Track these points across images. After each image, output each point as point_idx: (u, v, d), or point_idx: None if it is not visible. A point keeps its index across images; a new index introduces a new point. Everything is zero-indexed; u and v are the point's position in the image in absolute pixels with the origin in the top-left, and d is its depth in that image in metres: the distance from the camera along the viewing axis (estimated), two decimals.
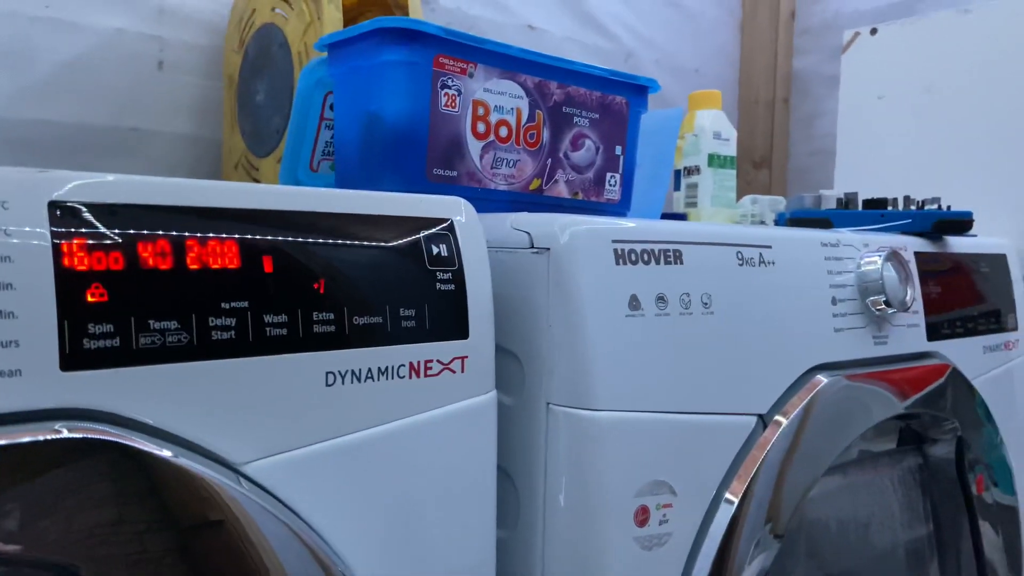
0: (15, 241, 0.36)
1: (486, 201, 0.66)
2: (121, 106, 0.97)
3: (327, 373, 0.44)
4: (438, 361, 0.49)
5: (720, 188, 1.08)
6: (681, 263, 0.59)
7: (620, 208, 0.77)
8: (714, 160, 1.09)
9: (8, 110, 0.89)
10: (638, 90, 0.77)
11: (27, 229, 0.36)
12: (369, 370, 0.46)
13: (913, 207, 0.85)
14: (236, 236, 0.42)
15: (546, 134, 0.71)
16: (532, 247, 0.55)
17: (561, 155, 0.72)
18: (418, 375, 0.48)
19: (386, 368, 0.47)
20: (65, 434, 0.36)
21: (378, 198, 0.49)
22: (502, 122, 0.67)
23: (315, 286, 0.44)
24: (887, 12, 1.51)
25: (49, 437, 0.35)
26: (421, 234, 0.50)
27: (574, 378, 0.54)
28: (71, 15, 0.92)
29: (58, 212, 0.37)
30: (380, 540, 0.47)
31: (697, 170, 1.09)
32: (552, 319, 0.54)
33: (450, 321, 0.50)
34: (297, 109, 0.71)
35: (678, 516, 0.57)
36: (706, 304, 0.60)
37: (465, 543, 0.52)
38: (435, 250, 0.50)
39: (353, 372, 0.45)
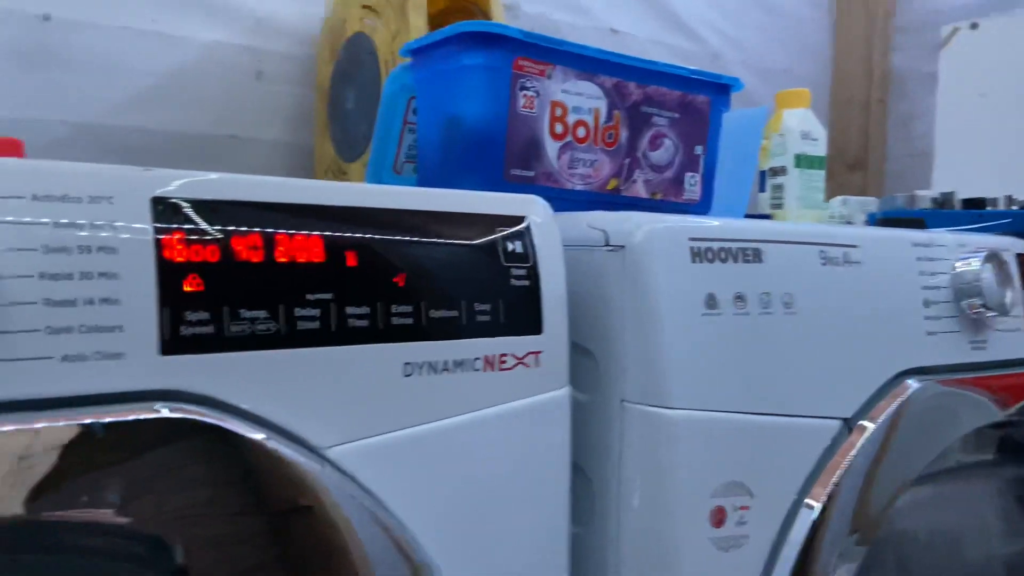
0: (121, 235, 0.38)
1: (563, 201, 0.66)
2: (220, 115, 1.02)
3: (405, 364, 0.46)
4: (512, 355, 0.50)
5: (807, 189, 1.06)
6: (761, 262, 0.58)
7: (700, 208, 0.76)
8: (802, 160, 1.06)
9: (115, 119, 0.95)
10: (720, 88, 0.76)
11: (131, 223, 0.39)
12: (445, 362, 0.47)
13: (1015, 207, 0.80)
14: (321, 232, 0.44)
15: (624, 134, 0.71)
16: (607, 245, 0.55)
17: (639, 155, 0.72)
18: (492, 368, 0.49)
19: (461, 360, 0.48)
20: (164, 414, 0.38)
21: (455, 196, 0.51)
22: (580, 122, 0.68)
23: (395, 280, 0.46)
24: (987, 6, 1.44)
25: (149, 416, 0.38)
26: (497, 231, 0.51)
27: (649, 376, 0.54)
28: (175, 29, 0.99)
29: (160, 207, 0.40)
30: (456, 529, 0.49)
31: (783, 171, 1.06)
32: (627, 317, 0.54)
33: (524, 316, 0.51)
34: (382, 114, 0.73)
35: (756, 519, 0.56)
36: (787, 304, 0.59)
37: (539, 536, 0.52)
38: (510, 247, 0.51)
39: (430, 364, 0.47)
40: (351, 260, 0.45)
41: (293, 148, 1.08)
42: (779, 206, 1.07)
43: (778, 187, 1.07)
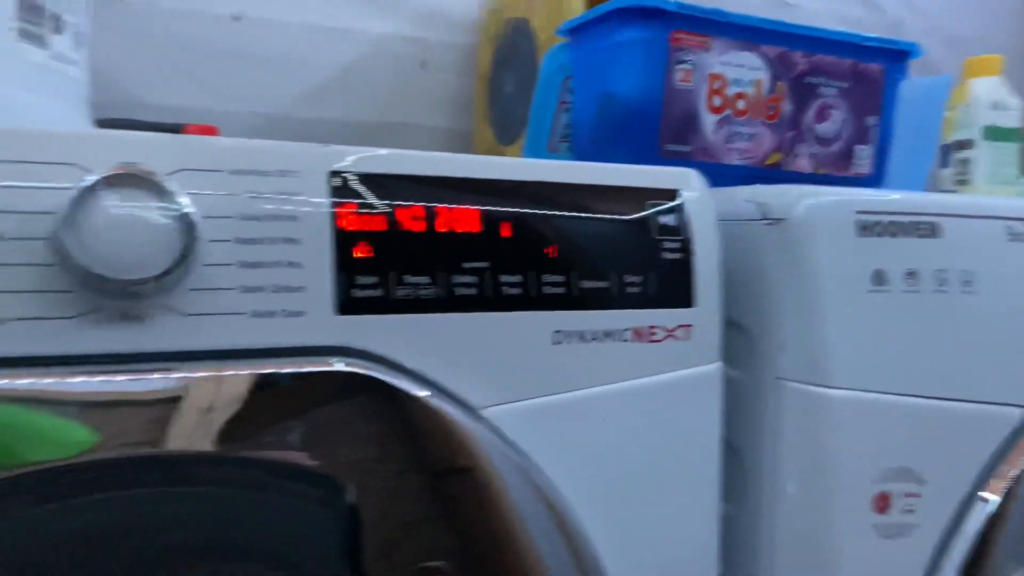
0: (303, 205, 0.42)
1: (720, 176, 0.65)
2: (388, 104, 1.08)
3: (555, 332, 0.47)
4: (662, 328, 0.50)
5: (998, 163, 0.96)
6: (937, 237, 0.54)
7: (871, 182, 0.72)
8: (992, 133, 0.97)
9: (297, 110, 1.03)
10: (896, 56, 0.71)
11: (312, 195, 0.43)
12: (594, 332, 0.48)
13: None
14: (478, 204, 0.46)
15: (788, 106, 0.68)
16: (765, 218, 0.54)
17: (804, 127, 0.69)
18: (642, 340, 0.50)
19: (610, 331, 0.49)
20: (339, 368, 0.42)
21: (608, 169, 0.51)
22: (740, 95, 0.66)
23: (547, 250, 0.47)
24: None
25: (326, 369, 0.42)
26: (649, 203, 0.51)
27: (807, 353, 0.52)
28: (348, 23, 1.05)
29: (336, 180, 0.43)
30: (604, 498, 0.50)
31: (970, 144, 0.98)
32: (785, 292, 0.53)
33: (675, 289, 0.50)
34: (538, 94, 0.75)
35: (926, 507, 0.52)
36: (966, 283, 0.55)
37: (687, 511, 0.52)
38: (662, 219, 0.51)
39: (579, 332, 0.48)
40: (506, 231, 0.47)
41: (454, 134, 1.13)
42: (965, 182, 0.99)
43: (963, 162, 0.99)
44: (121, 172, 0.38)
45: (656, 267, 0.50)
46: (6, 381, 0.36)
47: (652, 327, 0.50)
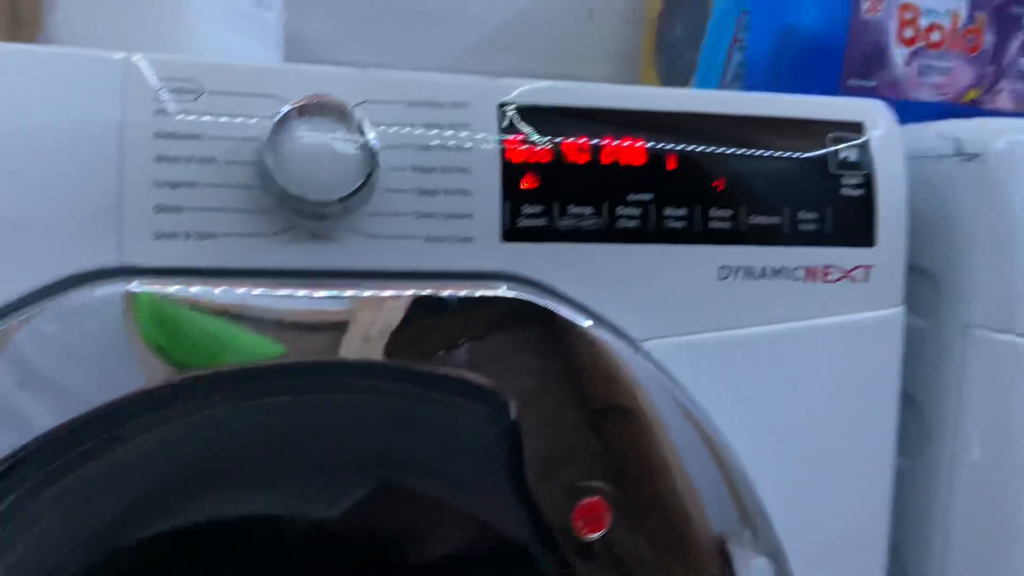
0: (474, 136, 0.44)
1: (910, 112, 0.60)
2: (554, 55, 1.09)
3: (720, 267, 0.46)
4: (838, 267, 0.48)
5: None
6: None
7: None
8: None
9: (457, 65, 1.06)
10: None
11: (482, 126, 0.44)
12: (763, 268, 0.47)
13: None
14: (644, 136, 0.46)
15: (988, 38, 0.62)
16: (959, 154, 0.50)
17: (1007, 62, 0.62)
18: (815, 279, 0.47)
19: (780, 268, 0.47)
20: (505, 292, 0.43)
21: (787, 100, 0.49)
22: (934, 26, 0.61)
23: (714, 184, 0.46)
24: None
25: (493, 294, 0.43)
26: (828, 136, 0.48)
27: (1004, 300, 0.48)
28: None
29: (505, 112, 0.45)
30: (769, 443, 0.48)
31: None
32: (979, 234, 0.49)
33: (854, 227, 0.48)
34: (711, 33, 0.73)
35: None
36: None
37: (858, 461, 0.50)
38: (843, 153, 0.48)
39: (746, 268, 0.47)
40: (671, 164, 0.46)
41: (620, 84, 1.11)
42: None
43: None
44: (313, 102, 0.41)
45: (834, 204, 0.48)
46: (219, 290, 0.41)
47: (827, 266, 0.48)
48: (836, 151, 0.48)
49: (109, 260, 0.40)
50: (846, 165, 0.48)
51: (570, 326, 0.44)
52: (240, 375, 0.41)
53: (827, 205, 0.48)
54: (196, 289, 0.40)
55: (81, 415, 0.39)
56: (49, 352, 0.39)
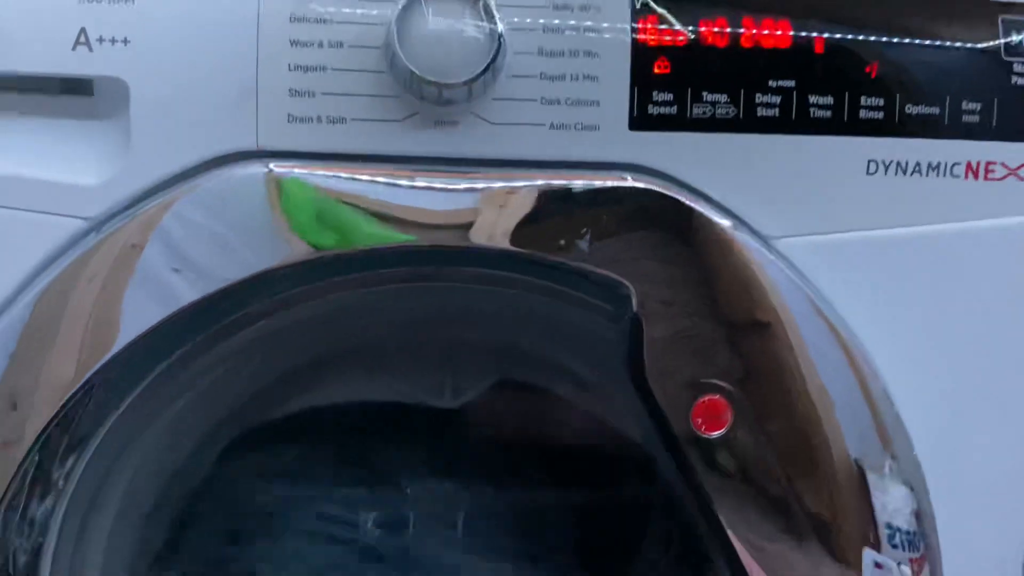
0: (603, 17, 0.42)
1: None
2: None
3: (869, 161, 0.43)
4: (1003, 165, 0.43)
5: None
6: None
7: None
8: None
9: None
10: None
11: (612, 8, 0.42)
12: (917, 163, 0.43)
13: None
14: (790, 15, 0.42)
15: None
16: None
17: None
18: (975, 177, 0.43)
19: (937, 164, 0.43)
20: (631, 183, 0.42)
21: None
22: None
23: (867, 70, 0.42)
24: None
25: (619, 184, 0.42)
26: (1000, 17, 0.43)
27: None
28: None
29: None
30: (915, 359, 0.45)
31: None
32: None
33: None
34: None
35: None
36: None
37: (1017, 384, 0.46)
38: (1016, 37, 0.43)
39: (898, 163, 0.43)
40: (819, 46, 0.42)
41: None
42: None
43: None
44: None
45: (1003, 93, 0.43)
46: (350, 176, 0.41)
47: (990, 163, 0.43)
48: (1008, 34, 0.43)
49: (247, 143, 0.41)
50: (1018, 51, 0.43)
51: (703, 222, 0.42)
52: (372, 257, 0.42)
53: (994, 95, 0.43)
54: (331, 174, 0.41)
55: (220, 289, 0.41)
56: (195, 229, 0.41)
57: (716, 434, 0.42)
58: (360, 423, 0.54)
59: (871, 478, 0.43)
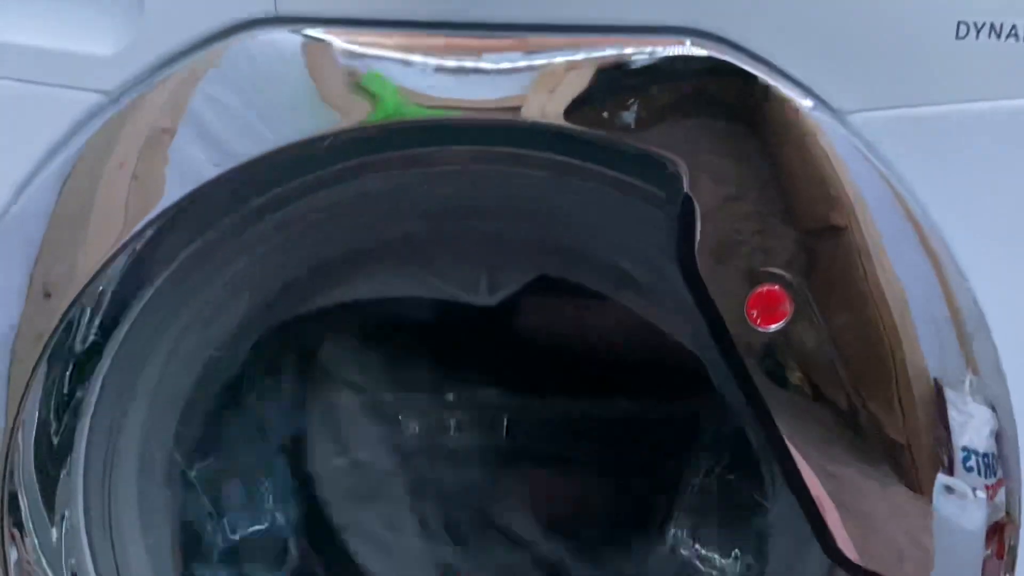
0: None
1: None
2: None
3: (959, 23, 0.37)
4: None
5: None
6: None
7: None
8: None
9: None
10: None
11: None
12: (1014, 26, 0.37)
13: None
14: None
15: None
16: None
17: None
18: None
19: None
20: (691, 48, 0.37)
21: None
22: None
23: None
24: None
25: (682, 52, 0.37)
26: None
27: None
28: None
29: None
30: (1008, 257, 0.40)
31: None
32: None
33: None
34: None
35: None
36: None
37: None
38: None
39: (992, 26, 0.37)
40: None
41: None
42: None
43: None
44: None
45: None
46: (389, 42, 0.38)
47: None
48: None
49: (265, 8, 0.38)
50: None
51: (773, 98, 0.38)
52: (412, 131, 0.39)
53: None
54: (372, 40, 0.38)
55: (251, 164, 0.38)
56: (223, 105, 0.38)
57: (773, 327, 0.38)
58: (398, 324, 0.53)
59: (949, 395, 0.39)
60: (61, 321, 0.40)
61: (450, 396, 0.59)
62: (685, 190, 0.37)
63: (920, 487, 0.40)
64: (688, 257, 0.38)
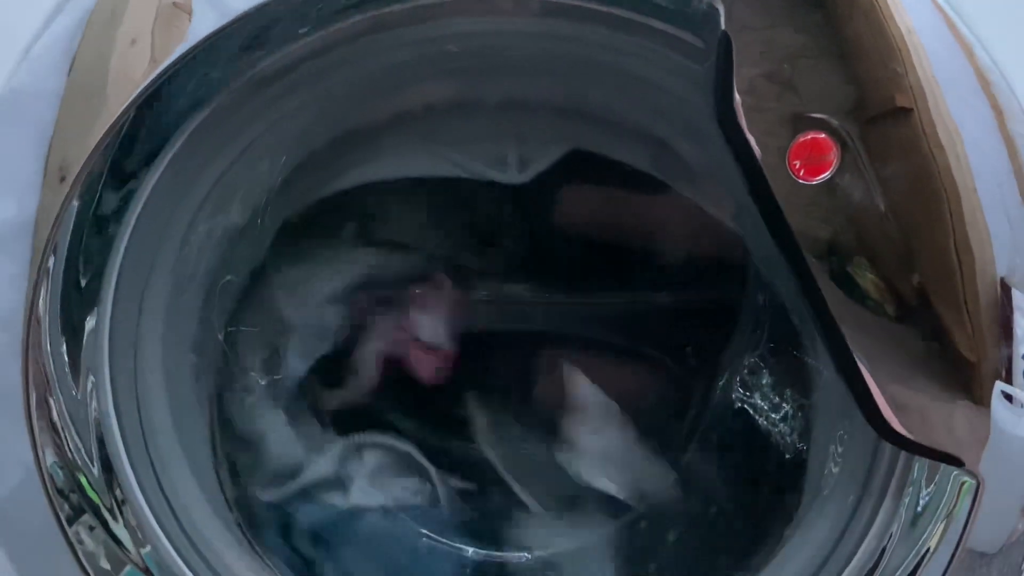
0: None
1: None
2: None
3: None
4: None
5: None
6: None
7: None
8: None
9: None
10: None
11: None
12: None
13: None
14: None
15: None
16: None
17: None
18: None
19: None
20: None
21: None
22: None
23: None
24: None
25: None
26: None
27: None
28: None
29: None
30: None
31: None
32: None
33: None
34: None
35: None
36: None
37: None
38: None
39: None
40: None
41: None
42: None
43: None
44: None
45: None
46: None
47: None
48: None
49: None
50: None
51: None
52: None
53: None
54: None
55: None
56: None
57: (816, 179, 0.35)
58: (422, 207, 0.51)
59: (1016, 296, 0.36)
60: (75, 202, 0.39)
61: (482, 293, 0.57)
62: (722, 27, 0.34)
63: (980, 397, 0.36)
64: (726, 103, 0.35)
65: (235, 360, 0.50)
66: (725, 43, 0.34)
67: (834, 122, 0.35)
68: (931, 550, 0.39)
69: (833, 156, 0.35)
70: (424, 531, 0.55)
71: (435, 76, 0.43)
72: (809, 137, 0.35)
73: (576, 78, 0.42)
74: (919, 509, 0.39)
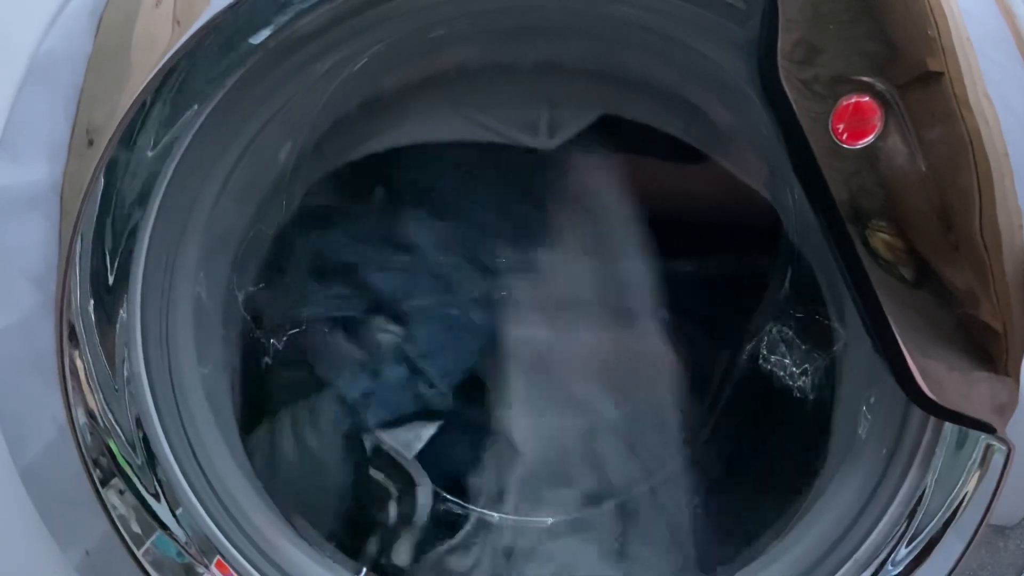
0: None
1: None
2: None
3: None
4: None
5: None
6: None
7: None
8: None
9: None
10: None
11: None
12: None
13: None
14: None
15: None
16: None
17: None
18: None
19: None
20: None
21: None
22: None
23: None
24: None
25: None
26: None
27: None
28: None
29: None
30: None
31: None
32: None
33: None
34: None
35: None
36: None
37: None
38: None
39: None
40: None
41: None
42: None
43: None
44: None
45: None
46: None
47: None
48: None
49: None
50: None
51: None
52: None
53: None
54: None
55: None
56: None
57: (860, 144, 0.35)
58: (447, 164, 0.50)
59: None
60: (105, 169, 0.39)
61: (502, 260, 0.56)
62: None
63: (1007, 369, 0.36)
64: (769, 62, 0.34)
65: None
66: (771, 3, 0.34)
67: (879, 85, 0.34)
68: (968, 495, 0.39)
69: (877, 120, 0.34)
70: None
71: (470, 39, 0.42)
72: (853, 101, 0.34)
73: (611, 40, 0.42)
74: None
